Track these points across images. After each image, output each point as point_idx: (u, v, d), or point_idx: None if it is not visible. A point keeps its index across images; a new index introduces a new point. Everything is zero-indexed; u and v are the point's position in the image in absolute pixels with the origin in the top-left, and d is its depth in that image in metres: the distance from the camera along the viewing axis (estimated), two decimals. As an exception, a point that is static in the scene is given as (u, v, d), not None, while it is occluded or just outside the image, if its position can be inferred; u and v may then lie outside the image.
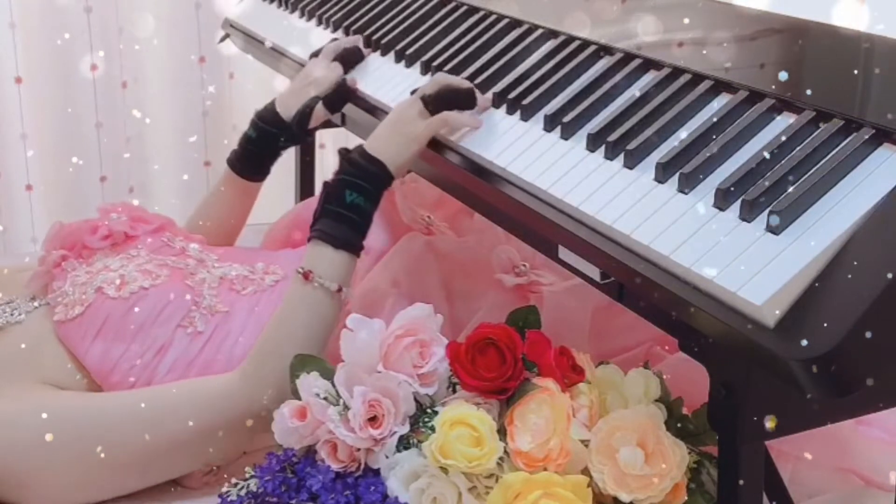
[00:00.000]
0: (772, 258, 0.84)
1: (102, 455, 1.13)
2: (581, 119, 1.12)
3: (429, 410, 1.07)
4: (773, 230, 0.86)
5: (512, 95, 1.22)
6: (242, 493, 1.05)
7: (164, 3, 2.43)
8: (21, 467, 1.13)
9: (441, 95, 1.24)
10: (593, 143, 1.07)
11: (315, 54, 1.54)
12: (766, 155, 0.93)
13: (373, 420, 1.04)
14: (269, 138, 1.49)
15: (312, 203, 1.29)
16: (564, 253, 1.04)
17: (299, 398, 1.08)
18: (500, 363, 1.04)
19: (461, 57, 1.36)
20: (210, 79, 2.51)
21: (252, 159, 1.52)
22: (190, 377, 1.22)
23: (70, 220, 1.40)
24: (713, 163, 0.96)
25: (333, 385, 1.07)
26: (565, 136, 1.11)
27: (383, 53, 1.50)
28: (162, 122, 2.50)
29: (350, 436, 1.03)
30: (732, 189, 0.91)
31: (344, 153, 1.24)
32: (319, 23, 1.71)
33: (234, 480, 1.06)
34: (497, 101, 1.23)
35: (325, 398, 1.07)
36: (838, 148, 0.90)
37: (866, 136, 0.89)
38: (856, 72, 0.96)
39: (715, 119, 1.00)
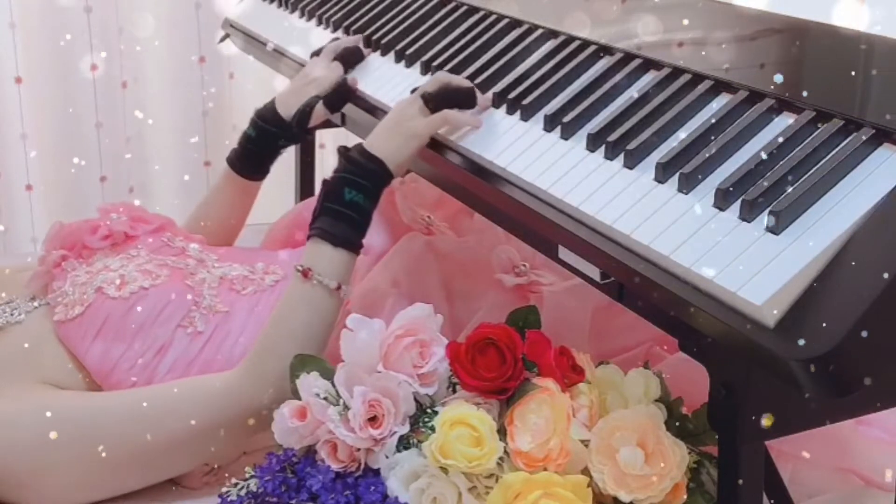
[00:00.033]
0: (772, 258, 0.84)
1: (103, 454, 1.13)
2: (581, 119, 1.12)
3: (429, 410, 1.07)
4: (773, 230, 0.86)
5: (512, 95, 1.22)
6: (242, 493, 1.05)
7: (164, 3, 2.43)
8: (21, 467, 1.13)
9: (442, 93, 1.25)
10: (593, 143, 1.07)
11: (316, 54, 1.54)
12: (766, 155, 0.93)
13: (373, 420, 1.04)
14: (269, 137, 1.49)
15: (312, 203, 1.29)
16: (564, 253, 1.04)
17: (299, 398, 1.08)
18: (500, 363, 1.04)
19: (461, 57, 1.36)
20: (210, 79, 2.52)
21: (252, 158, 1.52)
22: (190, 377, 1.22)
23: (70, 220, 1.40)
24: (713, 163, 0.96)
25: (333, 385, 1.07)
26: (565, 136, 1.11)
27: (383, 53, 1.51)
28: (162, 122, 2.50)
29: (350, 436, 1.03)
30: (732, 189, 0.91)
31: (343, 151, 1.24)
32: (319, 23, 1.71)
33: (234, 480, 1.06)
34: (497, 101, 1.23)
35: (325, 398, 1.07)
36: (838, 148, 0.90)
37: (866, 136, 0.89)
38: (856, 72, 0.96)
39: (715, 119, 1.00)
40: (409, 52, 1.44)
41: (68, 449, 1.13)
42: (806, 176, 0.89)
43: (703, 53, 1.10)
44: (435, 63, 1.39)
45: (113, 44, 2.39)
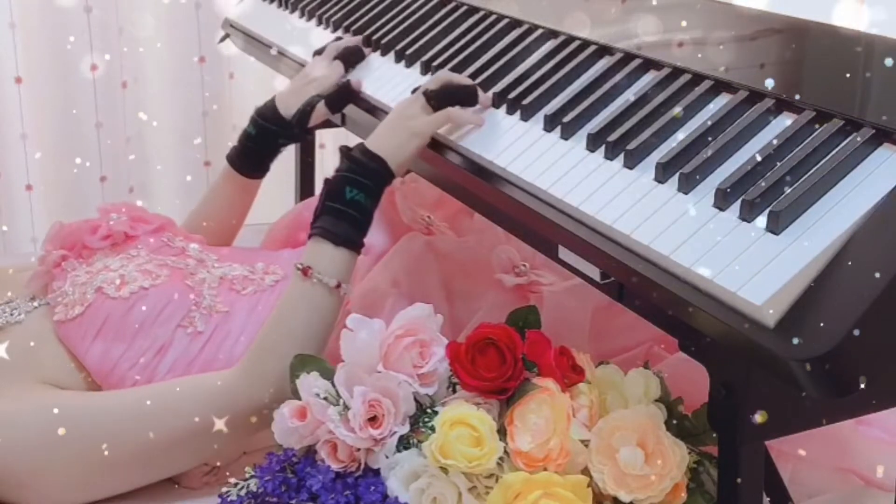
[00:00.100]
0: (772, 258, 0.84)
1: (103, 453, 1.13)
2: (581, 119, 1.12)
3: (429, 410, 1.07)
4: (773, 230, 0.86)
5: (512, 95, 1.22)
6: (242, 493, 1.05)
7: (164, 3, 2.43)
8: (21, 467, 1.13)
9: (444, 91, 1.25)
10: (593, 143, 1.07)
11: (318, 53, 1.54)
12: (766, 155, 0.93)
13: (373, 420, 1.04)
14: (269, 136, 1.49)
15: (313, 203, 1.29)
16: (564, 253, 1.04)
17: (299, 398, 1.08)
18: (500, 363, 1.04)
19: (461, 57, 1.36)
20: (210, 79, 2.52)
21: (251, 156, 1.52)
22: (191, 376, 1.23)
23: (70, 220, 1.40)
24: (713, 163, 0.96)
25: (333, 385, 1.07)
26: (565, 136, 1.11)
27: (383, 53, 1.51)
28: (162, 122, 2.50)
29: (350, 436, 1.03)
30: (732, 189, 0.91)
31: (345, 150, 1.24)
32: (319, 23, 1.71)
33: (234, 480, 1.06)
34: (497, 101, 1.23)
35: (325, 398, 1.07)
36: (838, 148, 0.90)
37: (866, 136, 0.89)
38: (856, 72, 0.96)
39: (715, 119, 1.00)
40: (409, 52, 1.44)
41: (68, 448, 1.13)
42: (806, 176, 0.89)
43: (703, 53, 1.10)
44: (435, 63, 1.39)
45: (113, 44, 2.39)
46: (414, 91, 1.29)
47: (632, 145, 1.03)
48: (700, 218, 0.92)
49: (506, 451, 1.02)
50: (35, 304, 1.31)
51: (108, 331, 1.23)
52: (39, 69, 2.32)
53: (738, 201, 0.90)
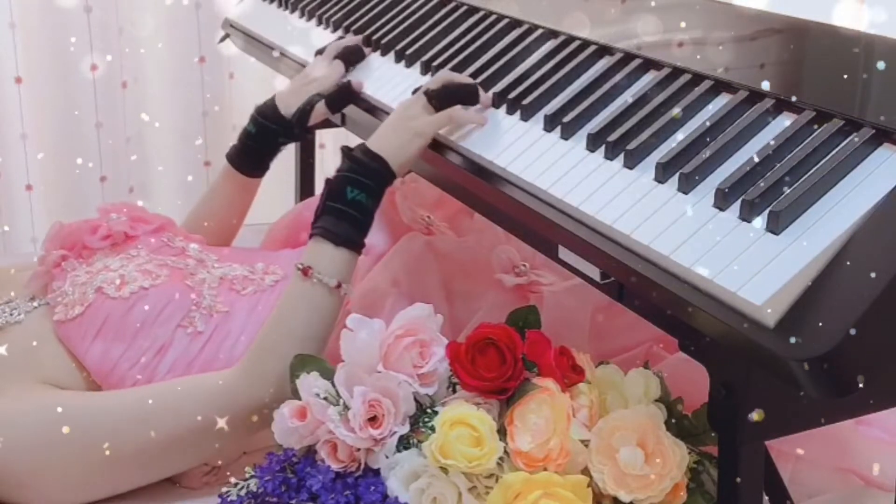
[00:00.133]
0: (772, 258, 0.84)
1: (103, 453, 1.13)
2: (581, 119, 1.12)
3: (429, 410, 1.07)
4: (773, 230, 0.86)
5: (512, 95, 1.22)
6: (242, 493, 1.05)
7: (164, 3, 2.43)
8: (21, 467, 1.13)
9: (445, 90, 1.25)
10: (593, 143, 1.07)
11: (320, 52, 1.54)
12: (766, 155, 0.93)
13: (373, 420, 1.04)
14: (269, 134, 1.49)
15: (313, 203, 1.29)
16: (564, 253, 1.04)
17: (299, 398, 1.08)
18: (500, 363, 1.04)
19: (461, 57, 1.36)
20: (210, 79, 2.52)
21: (251, 155, 1.52)
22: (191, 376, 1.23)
23: (70, 220, 1.40)
24: (713, 163, 0.96)
25: (333, 385, 1.07)
26: (565, 136, 1.11)
27: (383, 53, 1.51)
28: (162, 122, 2.50)
29: (350, 436, 1.03)
30: (732, 189, 0.91)
31: (346, 150, 1.24)
32: (319, 23, 1.71)
33: (234, 480, 1.06)
34: (497, 101, 1.23)
35: (325, 398, 1.07)
36: (838, 148, 0.90)
37: (866, 136, 0.89)
38: (856, 72, 0.96)
39: (715, 119, 1.00)
40: (409, 52, 1.44)
41: (68, 448, 1.13)
42: (806, 176, 0.89)
43: (703, 53, 1.10)
44: (435, 63, 1.39)
45: (113, 44, 2.39)
46: (415, 91, 1.29)
47: (632, 145, 1.03)
48: (700, 218, 0.92)
49: (506, 451, 1.02)
50: (35, 304, 1.31)
51: (107, 331, 1.23)
52: (39, 69, 2.32)
53: (738, 201, 0.90)
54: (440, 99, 1.24)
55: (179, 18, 2.45)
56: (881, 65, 0.95)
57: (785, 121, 0.97)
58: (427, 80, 1.33)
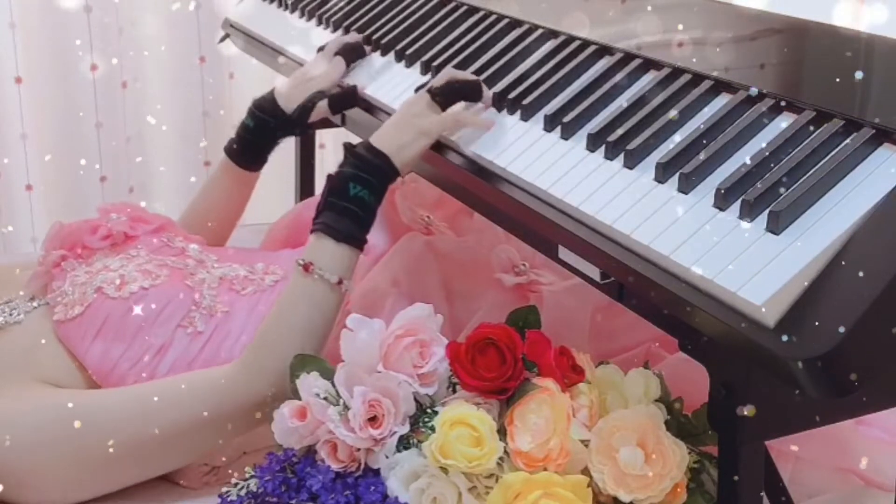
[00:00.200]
0: (772, 258, 0.84)
1: (104, 451, 1.13)
2: (581, 119, 1.12)
3: (429, 410, 1.07)
4: (773, 230, 0.86)
5: (512, 95, 1.22)
6: (242, 493, 1.05)
7: (164, 3, 2.43)
8: (21, 466, 1.13)
9: (448, 87, 1.25)
10: (593, 143, 1.07)
11: (321, 49, 1.54)
12: (766, 155, 0.93)
13: (373, 420, 1.04)
14: (267, 128, 1.49)
15: (313, 203, 1.29)
16: (564, 253, 1.04)
17: (299, 398, 1.08)
18: (500, 363, 1.04)
19: (461, 57, 1.36)
20: (210, 79, 2.52)
21: (249, 148, 1.52)
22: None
23: (70, 220, 1.40)
24: (713, 163, 0.96)
25: (333, 385, 1.07)
26: (565, 136, 1.11)
27: (383, 53, 1.51)
28: (162, 122, 2.50)
29: (350, 436, 1.03)
30: (732, 189, 0.91)
31: (349, 146, 1.23)
32: (319, 23, 1.71)
33: (234, 480, 1.07)
34: (497, 101, 1.23)
35: (325, 398, 1.07)
36: (838, 148, 0.90)
37: (866, 136, 0.89)
38: (856, 72, 0.96)
39: (715, 119, 1.00)
40: (409, 52, 1.44)
41: (69, 446, 1.13)
42: (806, 176, 0.89)
43: (703, 53, 1.10)
44: (435, 63, 1.39)
45: (113, 44, 2.39)
46: (417, 90, 1.29)
47: (632, 145, 1.03)
48: (700, 218, 0.92)
49: (506, 451, 1.02)
50: (35, 303, 1.31)
51: (107, 331, 1.23)
52: (39, 69, 2.32)
53: (738, 201, 0.90)
54: (444, 95, 1.24)
55: (179, 18, 2.45)
56: (881, 65, 0.95)
57: (785, 121, 0.97)
58: (427, 80, 1.33)
